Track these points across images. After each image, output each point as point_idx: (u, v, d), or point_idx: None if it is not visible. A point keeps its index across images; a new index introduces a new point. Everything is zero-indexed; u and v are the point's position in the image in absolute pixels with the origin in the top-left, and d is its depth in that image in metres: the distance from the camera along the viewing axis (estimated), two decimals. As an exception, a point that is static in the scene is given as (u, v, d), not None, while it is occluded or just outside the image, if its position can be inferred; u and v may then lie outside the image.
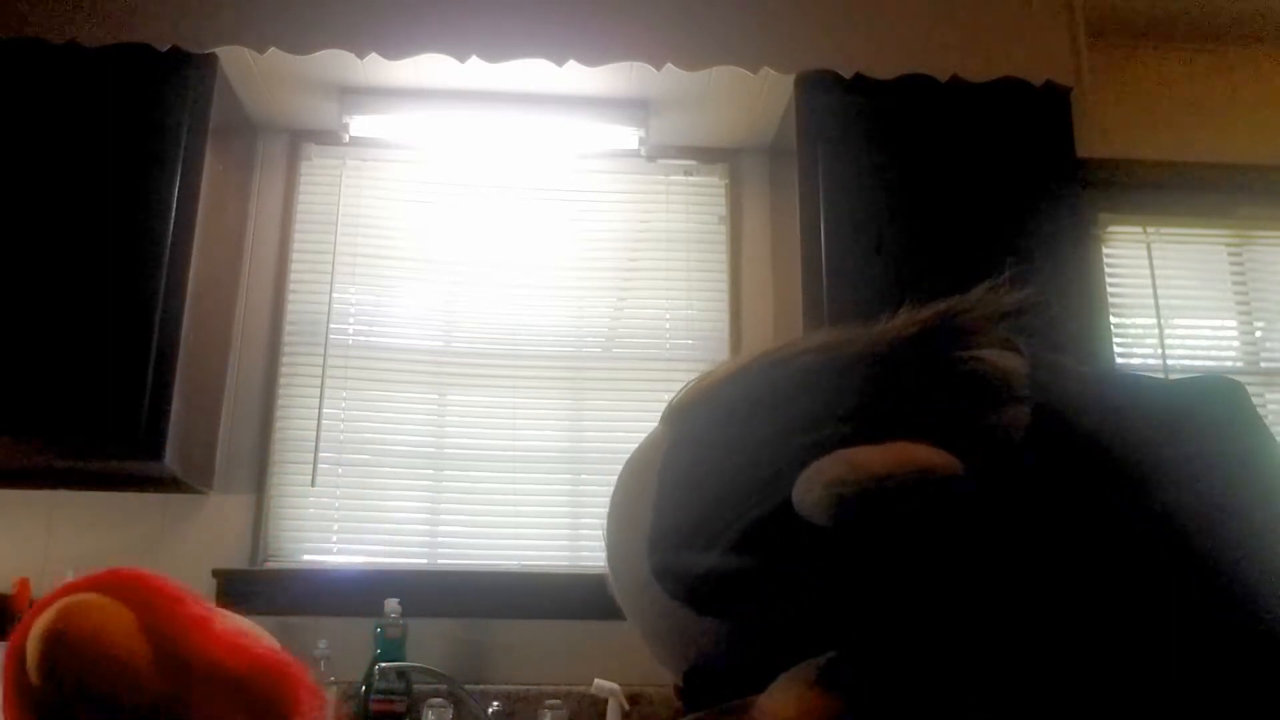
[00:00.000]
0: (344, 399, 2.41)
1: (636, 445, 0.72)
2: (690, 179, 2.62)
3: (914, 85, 2.25)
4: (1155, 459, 0.66)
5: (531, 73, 2.28)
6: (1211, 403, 0.68)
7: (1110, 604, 0.66)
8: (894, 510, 0.62)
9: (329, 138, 2.52)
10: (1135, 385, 0.70)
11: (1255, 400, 2.54)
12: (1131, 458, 0.67)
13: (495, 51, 2.23)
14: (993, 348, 0.71)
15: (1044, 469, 0.68)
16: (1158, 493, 0.64)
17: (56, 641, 0.77)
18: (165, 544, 2.27)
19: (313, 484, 2.33)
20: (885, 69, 2.26)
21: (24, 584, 2.13)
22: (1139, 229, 2.61)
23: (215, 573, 2.23)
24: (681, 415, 0.71)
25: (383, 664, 2.07)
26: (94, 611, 0.80)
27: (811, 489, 0.64)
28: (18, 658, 0.76)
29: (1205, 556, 0.62)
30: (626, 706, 2.13)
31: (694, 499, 0.67)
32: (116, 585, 0.84)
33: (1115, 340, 2.50)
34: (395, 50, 2.22)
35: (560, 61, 2.23)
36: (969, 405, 0.69)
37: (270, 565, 2.30)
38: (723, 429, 0.70)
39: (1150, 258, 2.59)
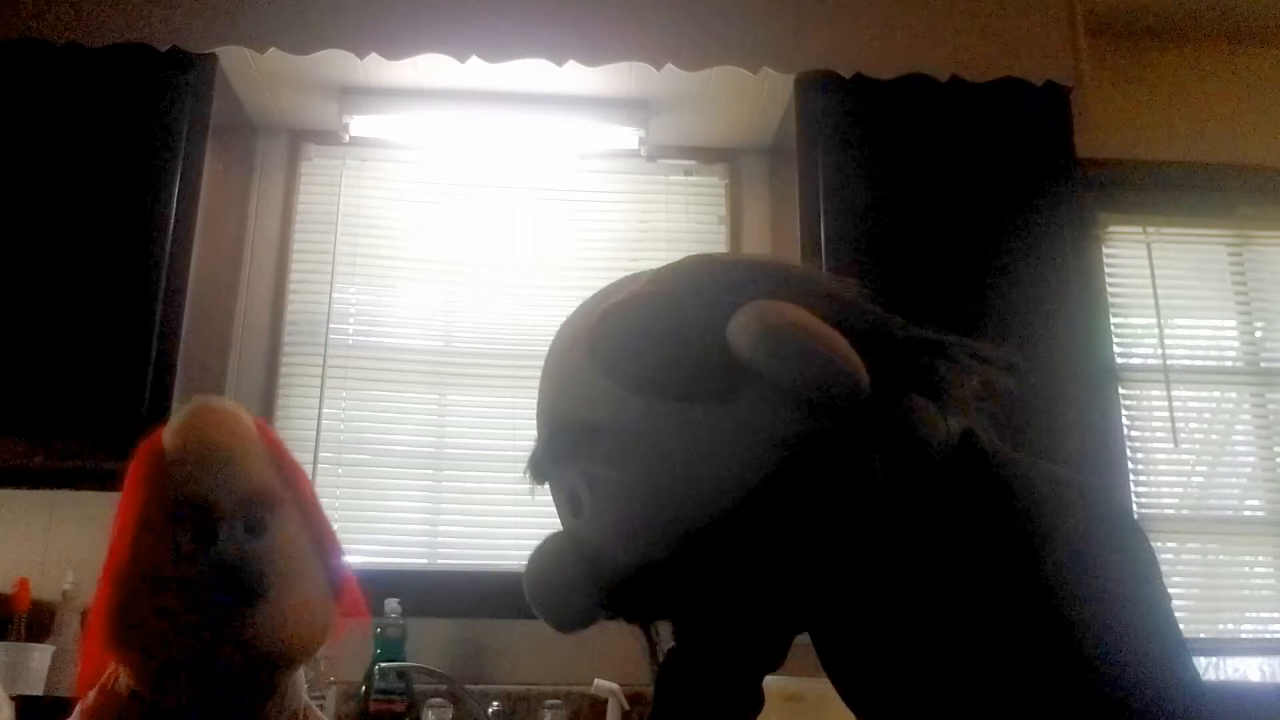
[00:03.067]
0: (344, 399, 2.41)
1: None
2: (690, 179, 2.62)
3: (914, 85, 2.25)
4: (1048, 527, 0.70)
5: (531, 73, 2.28)
6: (1095, 499, 0.74)
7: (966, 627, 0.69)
8: (810, 376, 0.66)
9: (329, 138, 2.52)
10: (1037, 468, 0.75)
11: (1255, 400, 2.55)
12: (1030, 517, 0.71)
13: (495, 51, 2.22)
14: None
15: (958, 488, 0.72)
16: (1045, 555, 0.68)
17: (202, 405, 0.93)
18: (165, 544, 2.27)
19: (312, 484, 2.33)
20: (885, 69, 2.26)
21: (24, 584, 2.13)
22: (1139, 229, 2.61)
23: (215, 573, 2.23)
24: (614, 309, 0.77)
25: (383, 664, 2.07)
26: (231, 405, 0.96)
27: (749, 323, 0.68)
28: (150, 445, 0.91)
29: (1072, 628, 0.67)
30: (626, 706, 2.13)
31: (639, 339, 0.74)
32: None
33: (1115, 340, 2.50)
34: (395, 50, 2.22)
35: (560, 61, 2.23)
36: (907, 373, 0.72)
37: (270, 565, 2.30)
38: (663, 299, 0.76)
39: (1150, 258, 2.59)
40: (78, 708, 0.95)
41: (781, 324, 0.68)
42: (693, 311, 0.74)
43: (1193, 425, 2.52)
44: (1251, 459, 2.52)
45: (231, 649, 0.85)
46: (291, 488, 0.95)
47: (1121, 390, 2.49)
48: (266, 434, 0.96)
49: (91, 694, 0.93)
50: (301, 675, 1.01)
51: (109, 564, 0.91)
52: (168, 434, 0.92)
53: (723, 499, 0.70)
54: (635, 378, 0.73)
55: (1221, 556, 2.48)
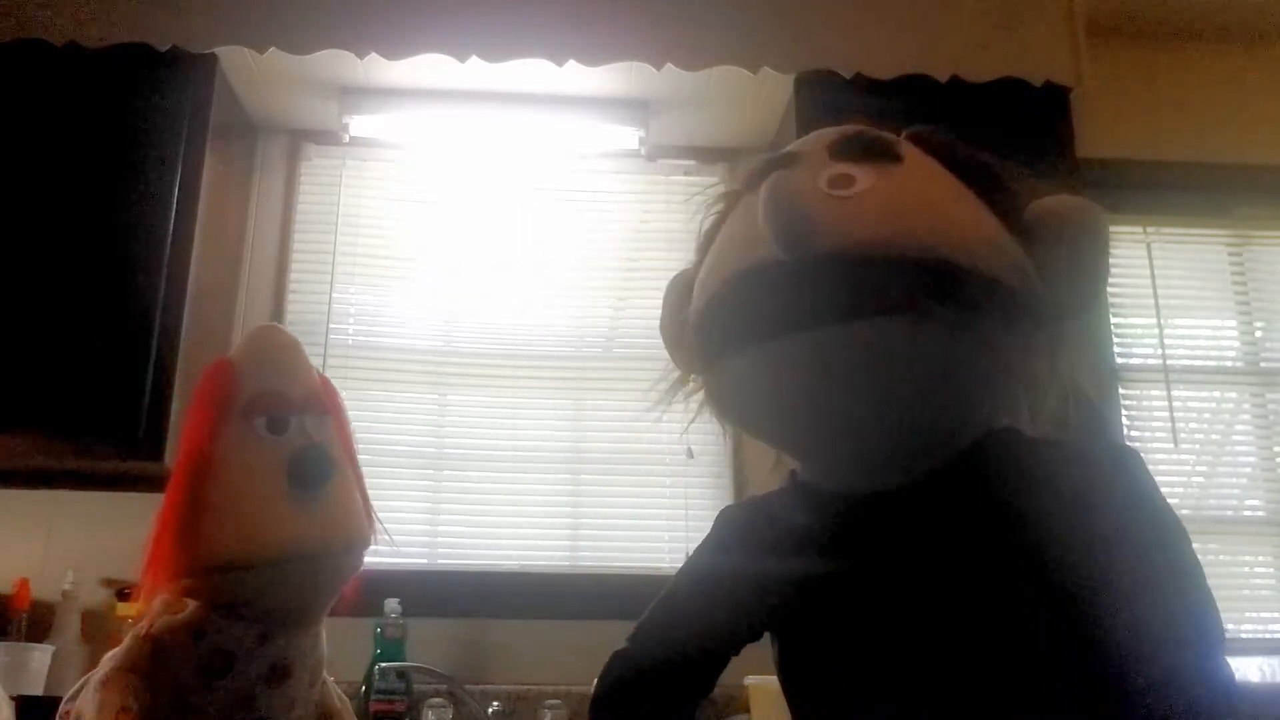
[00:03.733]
0: (344, 399, 2.40)
1: None
2: (690, 179, 2.61)
3: (914, 85, 2.25)
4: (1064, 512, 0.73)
5: (531, 73, 2.28)
6: (1114, 468, 0.76)
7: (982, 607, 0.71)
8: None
9: (329, 138, 2.52)
10: (1062, 448, 0.77)
11: (1255, 400, 2.55)
12: (1045, 508, 0.73)
13: (495, 51, 2.22)
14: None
15: (986, 480, 0.74)
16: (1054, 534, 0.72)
17: (263, 325, 1.03)
18: (165, 544, 2.27)
19: (313, 484, 2.33)
20: (885, 69, 2.26)
21: (24, 584, 2.13)
22: (1139, 229, 2.61)
23: (215, 573, 2.23)
24: None
25: (383, 664, 2.07)
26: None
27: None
28: (216, 364, 0.99)
29: (1081, 605, 0.68)
30: (626, 706, 2.13)
31: None
32: None
33: (1115, 340, 2.50)
34: (395, 50, 2.22)
35: (560, 61, 2.23)
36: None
37: (270, 565, 2.30)
38: None
39: (1150, 257, 2.59)
40: (110, 656, 0.97)
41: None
42: None
43: (1193, 425, 2.52)
44: (1252, 459, 2.52)
45: (302, 531, 0.92)
46: (334, 406, 1.05)
47: (1121, 390, 2.49)
48: (318, 371, 1.07)
49: (131, 642, 0.95)
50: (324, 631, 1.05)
51: (181, 473, 0.96)
52: (235, 351, 1.01)
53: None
54: None
55: (1221, 556, 2.48)
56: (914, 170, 0.79)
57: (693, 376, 0.90)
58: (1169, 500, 0.75)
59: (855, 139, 0.79)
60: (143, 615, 0.97)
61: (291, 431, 0.95)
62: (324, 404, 1.00)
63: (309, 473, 0.93)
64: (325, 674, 1.06)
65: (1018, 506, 0.74)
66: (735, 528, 0.91)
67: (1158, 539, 0.73)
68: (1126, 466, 0.75)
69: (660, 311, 0.93)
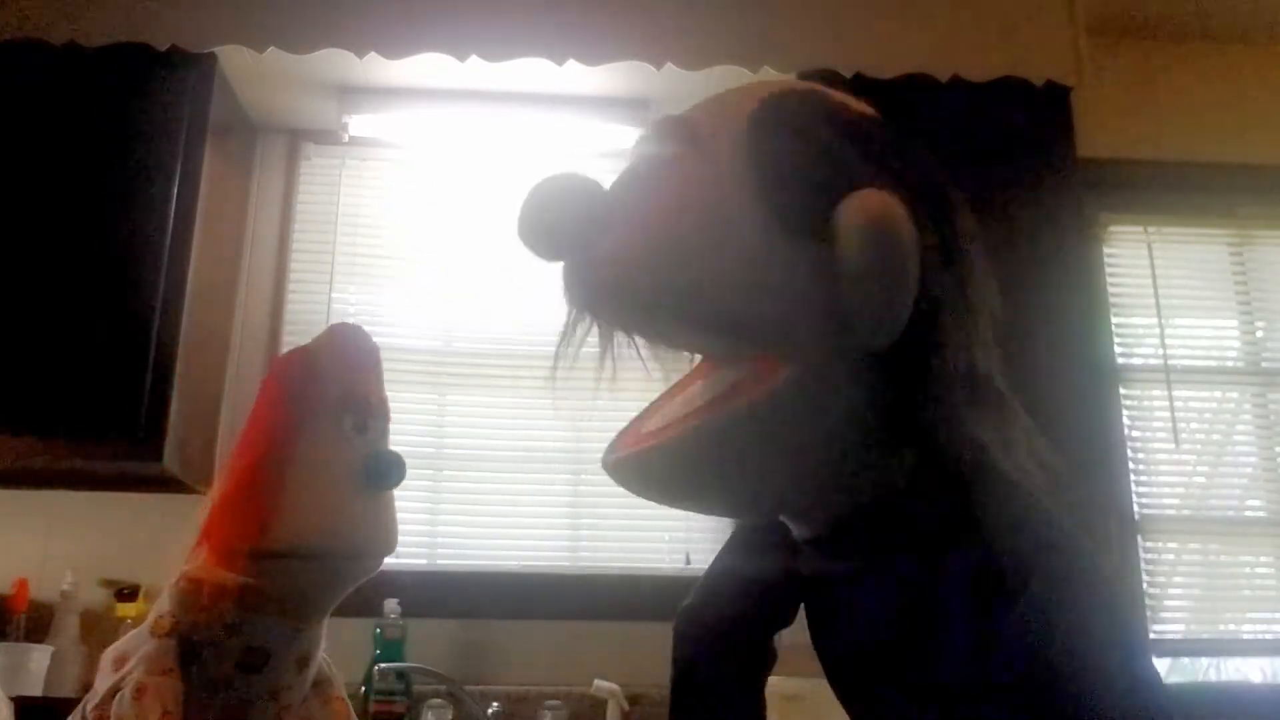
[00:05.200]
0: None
1: None
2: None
3: (914, 85, 2.25)
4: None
5: (531, 72, 2.27)
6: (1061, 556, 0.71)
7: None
8: None
9: (328, 137, 2.52)
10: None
11: (1256, 400, 2.55)
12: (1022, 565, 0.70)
13: (495, 50, 2.22)
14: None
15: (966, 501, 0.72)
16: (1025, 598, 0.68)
17: (346, 323, 1.07)
18: (165, 544, 2.26)
19: (312, 484, 2.33)
20: (885, 69, 2.25)
21: (23, 584, 2.13)
22: (1140, 228, 2.61)
23: (215, 573, 2.23)
24: None
25: (382, 665, 2.07)
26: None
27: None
28: (298, 355, 1.02)
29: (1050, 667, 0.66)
30: (626, 707, 2.12)
31: None
32: None
33: (1115, 340, 2.50)
34: (395, 49, 2.22)
35: (560, 61, 2.23)
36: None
37: (270, 565, 2.30)
38: None
39: (1151, 257, 2.58)
40: (133, 637, 0.98)
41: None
42: None
43: (1194, 425, 2.51)
44: (1252, 459, 2.52)
45: (371, 532, 0.96)
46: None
47: (1122, 390, 2.49)
48: None
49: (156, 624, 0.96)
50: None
51: (256, 457, 0.96)
52: (317, 346, 1.03)
53: None
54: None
55: (1222, 557, 2.48)
56: (706, 162, 0.78)
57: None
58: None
59: (656, 127, 0.83)
60: (155, 606, 0.98)
61: (372, 434, 0.99)
62: (389, 412, 1.05)
63: (387, 475, 0.97)
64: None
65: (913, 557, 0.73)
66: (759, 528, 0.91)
67: (1045, 552, 0.70)
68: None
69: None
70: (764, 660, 0.89)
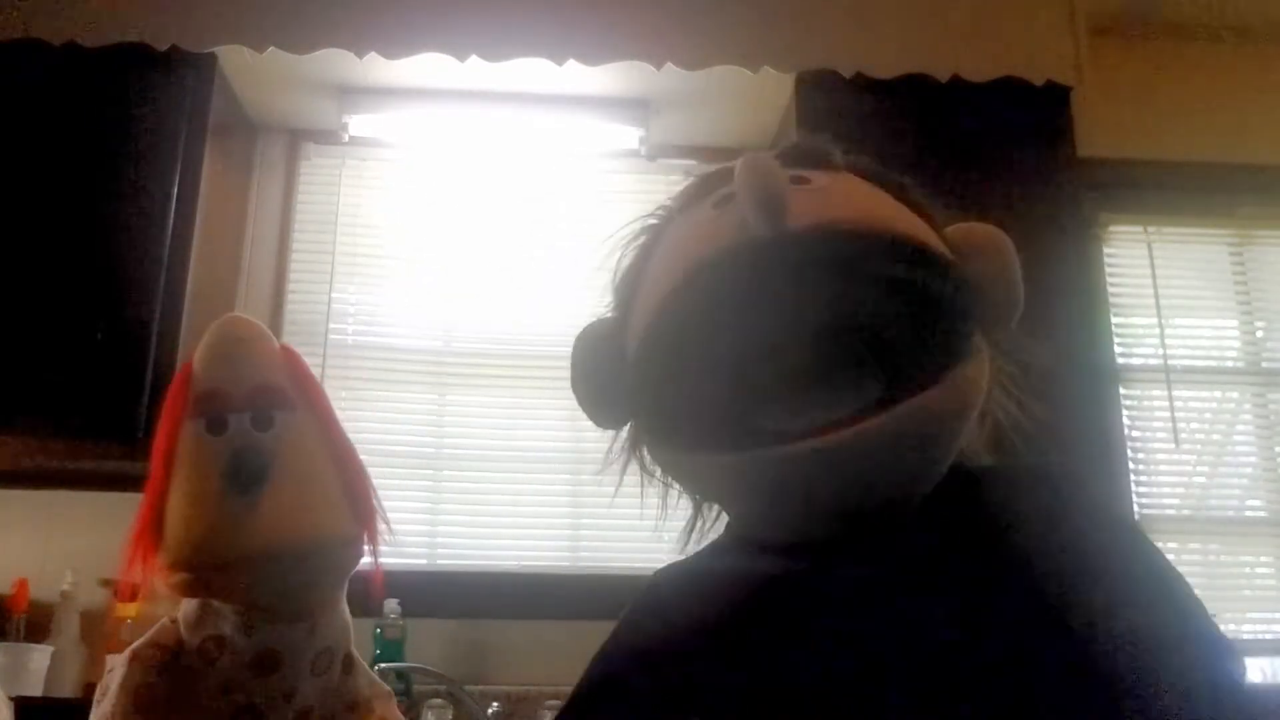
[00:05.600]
0: (343, 399, 2.40)
1: None
2: (690, 179, 2.61)
3: (914, 85, 2.25)
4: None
5: (531, 72, 2.27)
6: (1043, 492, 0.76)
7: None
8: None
9: (328, 137, 2.52)
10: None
11: (1256, 400, 2.54)
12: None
13: (495, 50, 2.22)
14: None
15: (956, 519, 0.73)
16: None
17: (225, 316, 1.00)
18: (165, 544, 2.27)
19: (312, 484, 2.33)
20: (885, 69, 2.25)
21: (23, 584, 2.13)
22: (1139, 228, 2.61)
23: (215, 573, 2.23)
24: None
25: (382, 665, 2.07)
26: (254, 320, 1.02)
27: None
28: (184, 365, 0.97)
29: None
30: (626, 707, 2.12)
31: None
32: None
33: (1115, 340, 2.50)
34: (394, 49, 2.22)
35: (560, 61, 2.23)
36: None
37: (270, 565, 2.30)
38: None
39: (1151, 257, 2.58)
40: (115, 664, 0.97)
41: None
42: None
43: (1194, 425, 2.51)
44: (1253, 459, 2.52)
45: (239, 536, 0.90)
46: (308, 400, 1.00)
47: (1122, 390, 2.49)
48: (288, 350, 1.02)
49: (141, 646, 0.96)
50: (345, 616, 1.03)
51: (148, 481, 0.95)
52: (199, 348, 1.00)
53: None
54: None
55: (1223, 557, 2.48)
56: (854, 178, 0.80)
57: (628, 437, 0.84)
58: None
59: (801, 146, 0.81)
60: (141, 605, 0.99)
61: (231, 432, 0.92)
62: (279, 398, 0.96)
63: (242, 474, 0.90)
64: (353, 662, 1.07)
65: (996, 540, 0.72)
66: (673, 602, 0.84)
67: (1134, 550, 0.73)
68: (1079, 483, 0.76)
69: (571, 371, 0.87)
70: None
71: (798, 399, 0.68)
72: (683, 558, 0.88)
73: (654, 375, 0.76)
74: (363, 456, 1.08)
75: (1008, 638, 0.69)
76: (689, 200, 0.81)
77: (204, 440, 0.92)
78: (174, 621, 0.97)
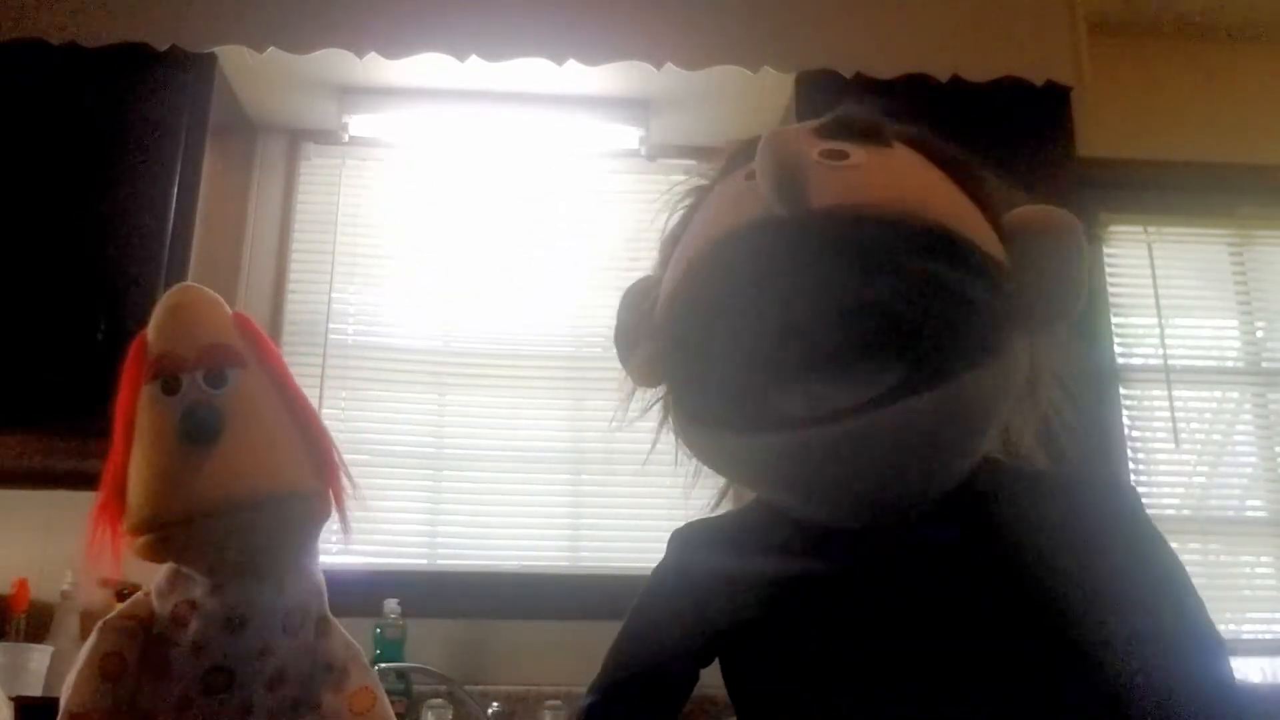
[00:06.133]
0: (343, 399, 2.41)
1: None
2: (691, 179, 2.61)
3: (914, 85, 2.25)
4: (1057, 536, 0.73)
5: (531, 72, 2.27)
6: (1105, 502, 0.77)
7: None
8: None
9: (328, 137, 2.51)
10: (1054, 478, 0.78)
11: (1256, 400, 2.54)
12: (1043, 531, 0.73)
13: (495, 50, 2.22)
14: None
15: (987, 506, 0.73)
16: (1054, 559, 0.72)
17: (171, 290, 1.03)
18: (165, 544, 2.26)
19: (312, 484, 2.33)
20: (885, 69, 2.25)
21: (23, 584, 2.13)
22: (1140, 228, 2.61)
23: (215, 573, 2.23)
24: None
25: (382, 665, 2.07)
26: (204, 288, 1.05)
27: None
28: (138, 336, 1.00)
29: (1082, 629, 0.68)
30: (626, 707, 2.12)
31: None
32: None
33: (1115, 340, 2.50)
34: (395, 49, 2.22)
35: (560, 61, 2.23)
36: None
37: (270, 565, 2.30)
38: None
39: (1151, 257, 2.58)
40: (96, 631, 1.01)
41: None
42: None
43: (1194, 425, 2.51)
44: (1253, 459, 2.52)
45: (196, 489, 0.92)
46: (259, 357, 1.01)
47: (1122, 390, 2.49)
48: (241, 315, 1.04)
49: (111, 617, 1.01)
50: (317, 577, 1.05)
51: (110, 451, 1.00)
52: (152, 320, 1.02)
53: None
54: None
55: (1223, 557, 2.48)
56: (904, 154, 0.77)
57: (644, 389, 0.86)
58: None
59: (844, 118, 0.78)
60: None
61: (185, 389, 0.95)
62: (228, 357, 0.98)
63: (194, 429, 0.92)
64: (329, 625, 1.06)
65: (1018, 540, 0.72)
66: (694, 550, 0.89)
67: (1156, 564, 0.74)
68: (1124, 497, 0.77)
69: (615, 319, 0.88)
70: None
71: (814, 382, 0.67)
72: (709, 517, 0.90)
73: (673, 344, 0.75)
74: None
75: (1005, 630, 0.70)
76: (729, 167, 0.80)
77: (159, 400, 0.95)
78: (147, 594, 1.00)
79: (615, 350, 0.88)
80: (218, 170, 2.27)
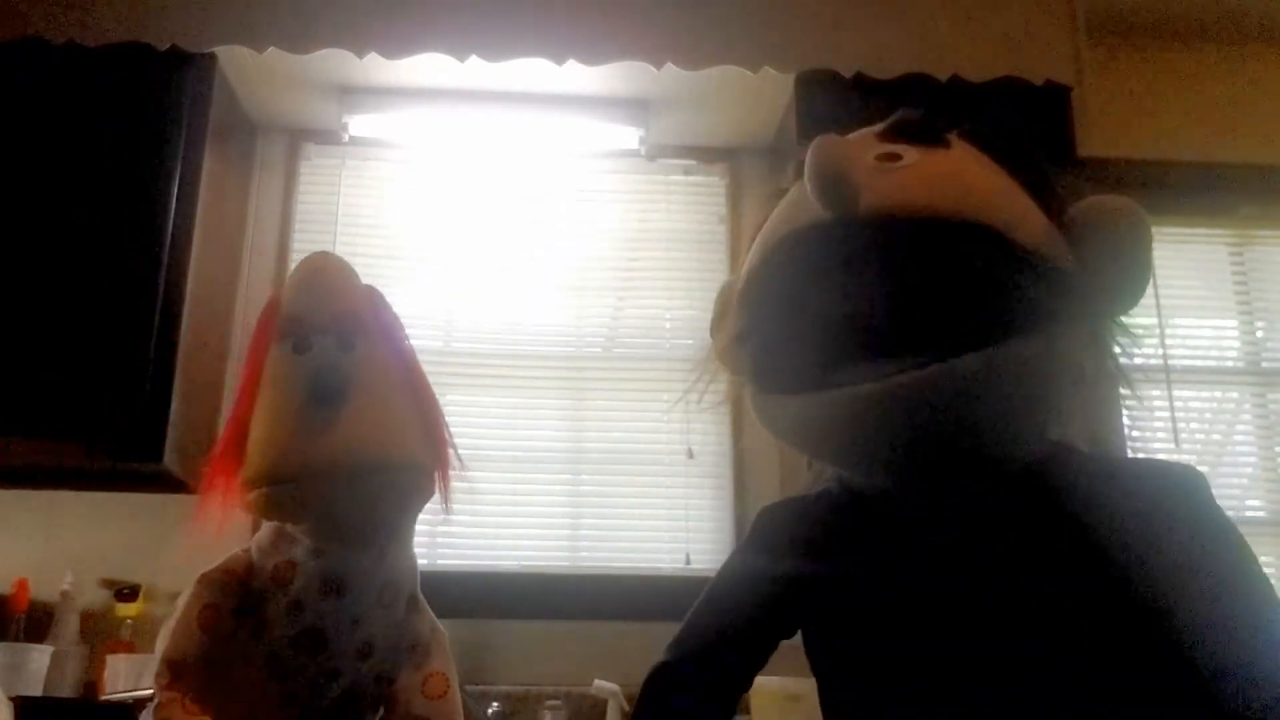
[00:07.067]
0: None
1: None
2: (690, 179, 2.61)
3: (914, 85, 2.25)
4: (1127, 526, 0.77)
5: (531, 72, 2.27)
6: (1177, 490, 0.81)
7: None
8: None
9: (328, 137, 2.52)
10: (1126, 464, 0.84)
11: (1256, 400, 2.54)
12: (1114, 521, 0.77)
13: (495, 51, 2.22)
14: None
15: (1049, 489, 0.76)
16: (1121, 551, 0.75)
17: (310, 255, 1.05)
18: (165, 544, 2.26)
19: (312, 484, 2.33)
20: (885, 69, 2.25)
21: (23, 584, 2.13)
22: (1139, 228, 2.60)
23: (215, 573, 2.23)
24: None
25: (382, 664, 2.07)
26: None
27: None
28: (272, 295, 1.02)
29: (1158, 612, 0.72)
30: (626, 707, 2.12)
31: None
32: None
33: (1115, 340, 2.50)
34: (394, 49, 2.22)
35: (560, 61, 2.23)
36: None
37: (270, 565, 2.30)
38: None
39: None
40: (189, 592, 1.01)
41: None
42: None
43: (1194, 425, 2.52)
44: (1253, 459, 2.52)
45: (316, 449, 0.94)
46: (390, 335, 1.04)
47: (1122, 390, 2.48)
48: (373, 289, 1.06)
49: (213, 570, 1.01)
50: (413, 556, 1.10)
51: (235, 404, 1.01)
52: (290, 281, 1.04)
53: None
54: None
55: (1222, 557, 2.48)
56: (960, 154, 0.80)
57: (714, 378, 0.91)
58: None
59: (903, 121, 0.82)
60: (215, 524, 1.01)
61: (315, 350, 0.96)
62: (359, 324, 1.00)
63: (321, 391, 0.94)
64: (418, 604, 1.09)
65: (1088, 520, 0.76)
66: (778, 527, 0.92)
67: (1228, 550, 0.77)
68: (1197, 485, 0.80)
69: (711, 316, 0.95)
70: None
71: (868, 360, 0.73)
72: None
73: (747, 328, 0.83)
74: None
75: (1082, 607, 0.74)
76: (801, 170, 0.84)
77: (289, 359, 0.97)
78: (245, 551, 1.02)
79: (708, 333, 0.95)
80: (218, 170, 2.27)
